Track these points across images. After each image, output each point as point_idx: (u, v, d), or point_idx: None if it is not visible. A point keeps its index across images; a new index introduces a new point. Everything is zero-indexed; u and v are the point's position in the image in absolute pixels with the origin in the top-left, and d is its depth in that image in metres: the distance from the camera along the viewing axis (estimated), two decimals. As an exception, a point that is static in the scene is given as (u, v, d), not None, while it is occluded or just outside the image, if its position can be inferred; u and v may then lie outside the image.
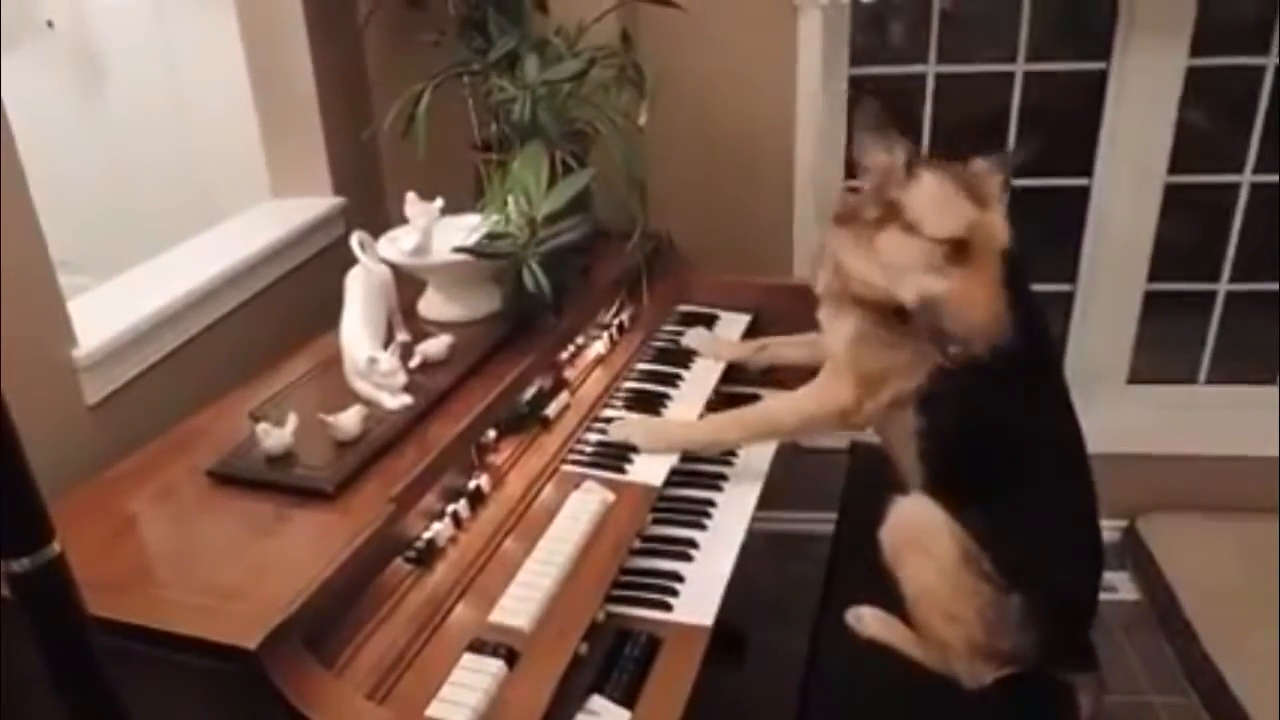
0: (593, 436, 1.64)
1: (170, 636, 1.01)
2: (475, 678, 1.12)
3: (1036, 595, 1.48)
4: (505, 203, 1.65)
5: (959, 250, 1.39)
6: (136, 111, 2.74)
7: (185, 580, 1.11)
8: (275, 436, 1.30)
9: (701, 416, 1.75)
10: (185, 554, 1.19)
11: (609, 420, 1.68)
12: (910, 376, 1.53)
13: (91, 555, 1.10)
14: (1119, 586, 2.51)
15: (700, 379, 1.86)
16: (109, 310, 1.57)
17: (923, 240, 1.41)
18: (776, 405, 1.72)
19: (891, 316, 1.51)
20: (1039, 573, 1.48)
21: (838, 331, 1.60)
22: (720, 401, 1.84)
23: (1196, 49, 2.28)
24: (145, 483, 1.31)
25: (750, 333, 2.04)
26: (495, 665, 1.13)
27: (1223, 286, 2.55)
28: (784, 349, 1.92)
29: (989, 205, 1.43)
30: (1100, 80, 2.37)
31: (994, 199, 1.45)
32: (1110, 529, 2.54)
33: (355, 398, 1.43)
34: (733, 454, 1.74)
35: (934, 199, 1.42)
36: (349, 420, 1.34)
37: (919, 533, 1.52)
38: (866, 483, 1.73)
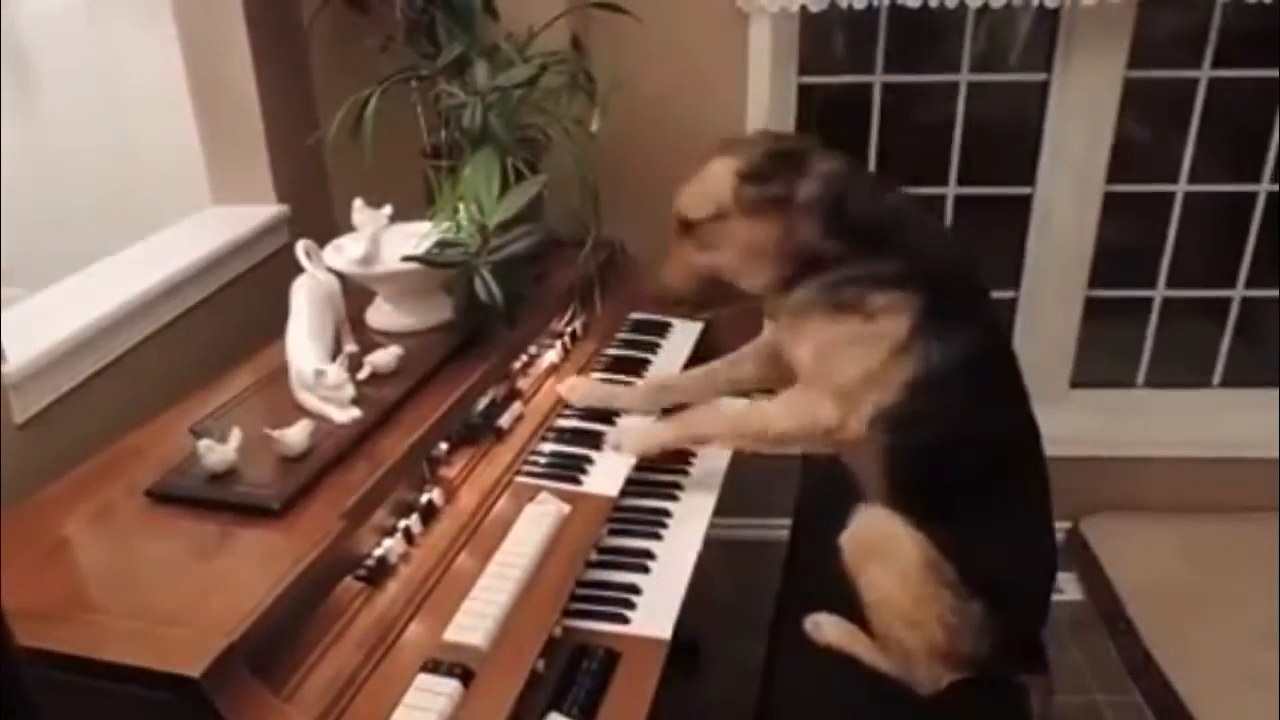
0: (547, 447, 1.62)
1: (108, 666, 0.97)
2: (429, 699, 1.09)
3: (997, 601, 1.50)
4: (456, 210, 1.63)
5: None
6: (70, 117, 2.65)
7: (124, 606, 1.07)
8: (218, 453, 1.26)
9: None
10: (123, 578, 1.14)
11: (563, 430, 1.67)
12: (887, 388, 1.49)
13: (22, 582, 1.06)
14: (1064, 587, 2.56)
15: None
16: (40, 323, 1.51)
17: None
18: (765, 411, 1.63)
19: (841, 311, 1.49)
20: (1000, 580, 1.50)
21: (803, 346, 1.55)
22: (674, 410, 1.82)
23: (1134, 62, 2.34)
24: (80, 504, 1.26)
25: (702, 341, 2.04)
26: (450, 685, 1.11)
27: (1159, 293, 2.62)
28: (686, 389, 1.79)
29: (693, 183, 1.56)
30: (1042, 91, 2.42)
31: (702, 178, 1.55)
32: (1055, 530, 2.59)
33: (302, 411, 1.40)
34: (688, 463, 1.74)
35: None
36: (295, 435, 1.30)
37: (882, 541, 1.52)
38: (821, 490, 1.74)
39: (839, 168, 1.50)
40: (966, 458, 1.51)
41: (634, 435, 1.64)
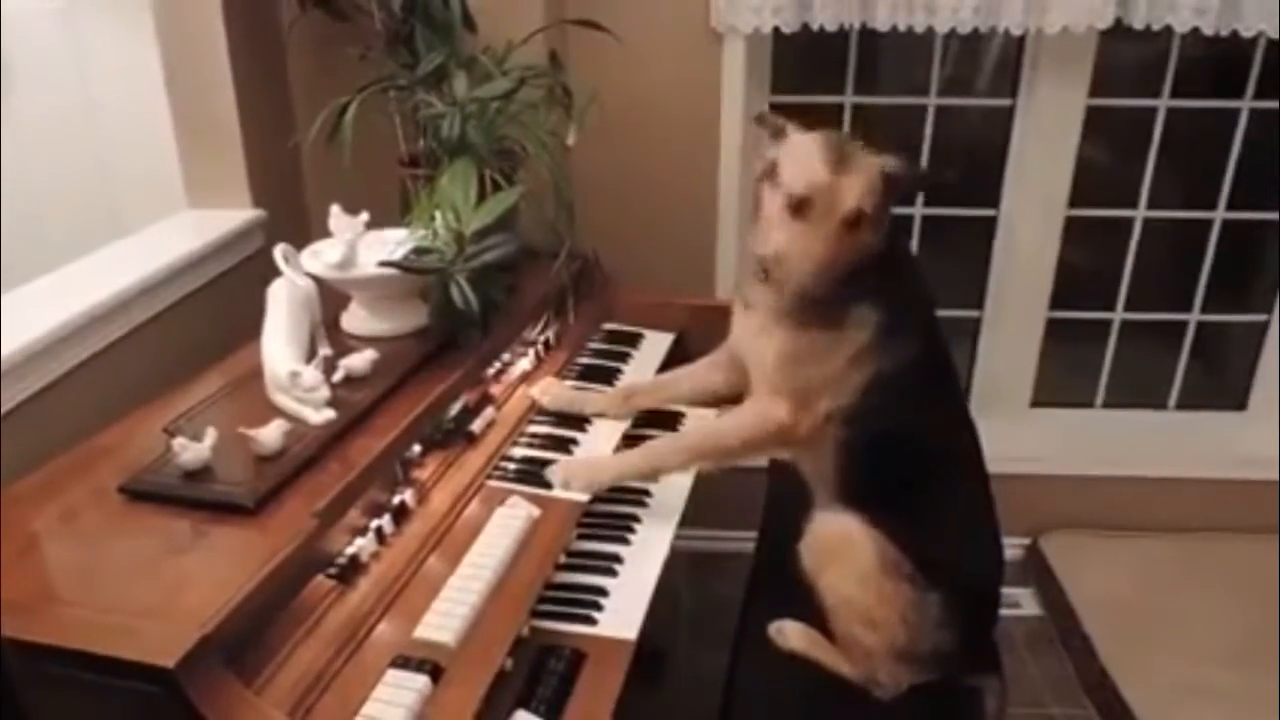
0: (518, 452, 1.64)
1: (84, 657, 0.97)
2: (399, 694, 1.11)
3: (953, 590, 1.54)
4: (433, 218, 1.65)
5: (801, 206, 1.45)
6: (44, 118, 2.64)
7: (98, 599, 1.08)
8: (192, 451, 1.27)
9: (625, 435, 1.76)
10: (98, 572, 1.15)
11: (534, 435, 1.69)
12: (843, 391, 1.55)
13: (-3, 574, 1.06)
14: (1022, 602, 2.61)
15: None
16: (13, 322, 1.50)
17: (779, 192, 1.47)
18: (718, 427, 1.69)
19: (815, 323, 1.53)
20: (954, 568, 1.55)
21: (765, 348, 1.59)
22: (642, 418, 1.85)
23: (1096, 90, 2.41)
24: (53, 500, 1.26)
25: (674, 351, 2.07)
26: (419, 681, 1.13)
27: (1118, 315, 2.69)
28: (657, 394, 1.83)
29: (846, 173, 1.45)
30: (1008, 116, 2.49)
31: (855, 170, 1.45)
32: (1014, 546, 2.64)
33: (277, 412, 1.41)
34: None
35: (793, 155, 1.49)
36: (270, 435, 1.31)
37: (839, 543, 1.56)
38: (786, 501, 1.77)
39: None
40: (912, 450, 1.56)
41: (583, 473, 1.58)
